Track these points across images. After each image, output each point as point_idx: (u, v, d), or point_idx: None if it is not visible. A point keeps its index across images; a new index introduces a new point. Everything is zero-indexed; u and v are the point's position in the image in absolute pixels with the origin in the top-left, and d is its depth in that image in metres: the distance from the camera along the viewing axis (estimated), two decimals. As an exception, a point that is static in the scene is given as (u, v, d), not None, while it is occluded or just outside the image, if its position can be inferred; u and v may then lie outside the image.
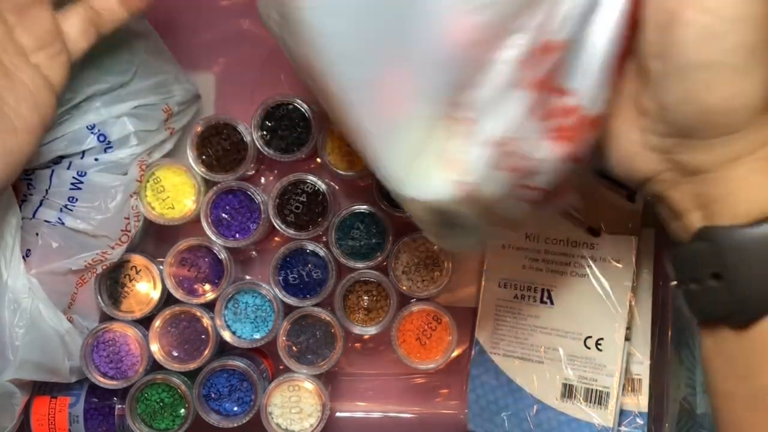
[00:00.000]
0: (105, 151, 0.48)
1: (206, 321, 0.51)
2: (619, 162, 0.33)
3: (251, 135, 0.50)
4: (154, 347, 0.51)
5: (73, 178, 0.47)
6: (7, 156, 0.38)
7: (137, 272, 0.51)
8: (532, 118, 0.30)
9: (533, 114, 0.30)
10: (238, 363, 0.51)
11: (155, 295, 0.51)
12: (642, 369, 0.52)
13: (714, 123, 0.28)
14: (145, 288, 0.52)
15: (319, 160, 0.52)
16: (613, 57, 0.30)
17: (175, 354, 0.51)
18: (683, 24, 0.27)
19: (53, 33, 0.40)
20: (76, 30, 0.41)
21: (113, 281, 0.51)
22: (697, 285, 0.30)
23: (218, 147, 0.51)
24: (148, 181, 0.50)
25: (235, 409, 0.52)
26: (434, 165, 0.31)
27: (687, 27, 0.27)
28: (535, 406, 0.52)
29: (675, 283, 0.33)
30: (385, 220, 0.50)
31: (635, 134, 0.31)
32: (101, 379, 0.50)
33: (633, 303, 0.51)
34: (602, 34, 0.30)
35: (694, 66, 0.27)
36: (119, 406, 0.52)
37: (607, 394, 0.51)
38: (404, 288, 0.51)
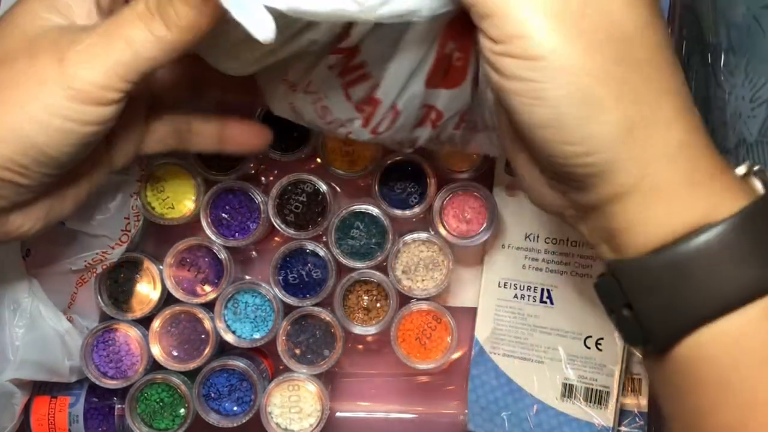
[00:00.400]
0: (105, 150, 0.48)
1: (206, 321, 0.51)
2: (534, 198, 0.34)
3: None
4: (154, 347, 0.51)
5: (73, 177, 0.47)
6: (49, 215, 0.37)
7: (137, 272, 0.51)
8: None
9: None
10: (238, 363, 0.51)
11: (155, 295, 0.51)
12: (642, 369, 0.51)
13: (583, 164, 0.28)
14: (145, 288, 0.52)
15: (319, 160, 0.52)
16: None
17: (175, 354, 0.51)
18: (508, 97, 0.28)
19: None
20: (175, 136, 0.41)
21: (113, 281, 0.51)
22: (616, 315, 0.31)
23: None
24: (148, 181, 0.50)
25: (235, 408, 0.52)
26: None
27: (511, 98, 0.28)
28: (535, 406, 0.52)
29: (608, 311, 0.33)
30: (385, 220, 0.50)
31: (537, 174, 0.32)
32: (101, 379, 0.51)
33: (633, 303, 0.51)
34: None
35: (534, 127, 0.28)
36: (119, 405, 0.52)
37: (608, 394, 0.51)
38: (404, 288, 0.51)
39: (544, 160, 0.30)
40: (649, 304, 0.29)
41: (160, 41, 0.31)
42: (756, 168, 0.30)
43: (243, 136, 0.43)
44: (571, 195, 0.30)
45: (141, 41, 0.31)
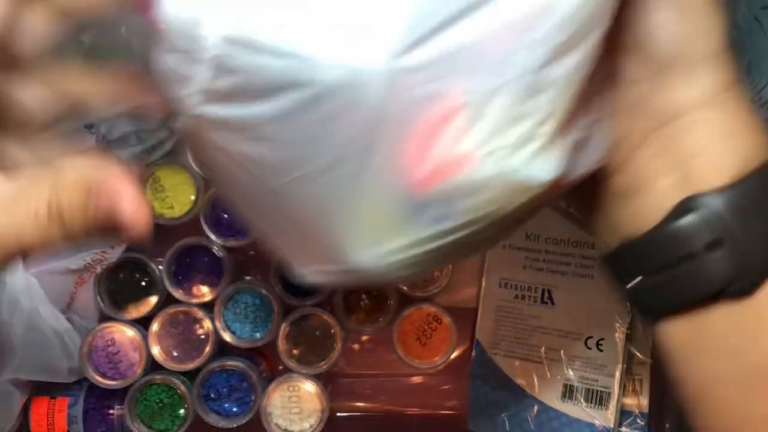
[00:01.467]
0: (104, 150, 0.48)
1: (205, 321, 0.51)
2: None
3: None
4: (154, 347, 0.51)
5: (72, 177, 0.47)
6: None
7: (136, 272, 0.51)
8: None
9: None
10: (238, 363, 0.51)
11: (154, 295, 0.51)
12: (643, 369, 0.51)
13: (692, 48, 0.27)
14: (145, 288, 0.51)
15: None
16: None
17: (175, 354, 0.51)
18: None
19: None
20: None
21: (112, 281, 0.51)
22: (687, 262, 0.28)
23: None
24: (147, 181, 0.50)
25: (235, 409, 0.51)
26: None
27: None
28: (535, 407, 0.52)
29: (636, 281, 0.29)
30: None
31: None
32: (100, 380, 0.50)
33: (634, 303, 0.51)
34: None
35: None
36: (118, 406, 0.52)
37: (608, 395, 0.51)
38: (404, 288, 0.51)
39: (656, 38, 0.28)
40: (750, 234, 0.27)
41: (48, 241, 0.26)
42: None
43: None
44: (657, 98, 0.28)
45: (29, 238, 0.26)
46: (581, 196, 0.31)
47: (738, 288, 0.27)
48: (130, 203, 0.25)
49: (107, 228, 0.26)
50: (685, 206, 0.27)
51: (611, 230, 0.30)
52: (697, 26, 0.28)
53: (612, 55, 0.28)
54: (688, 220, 0.27)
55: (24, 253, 0.27)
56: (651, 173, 0.28)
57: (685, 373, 0.30)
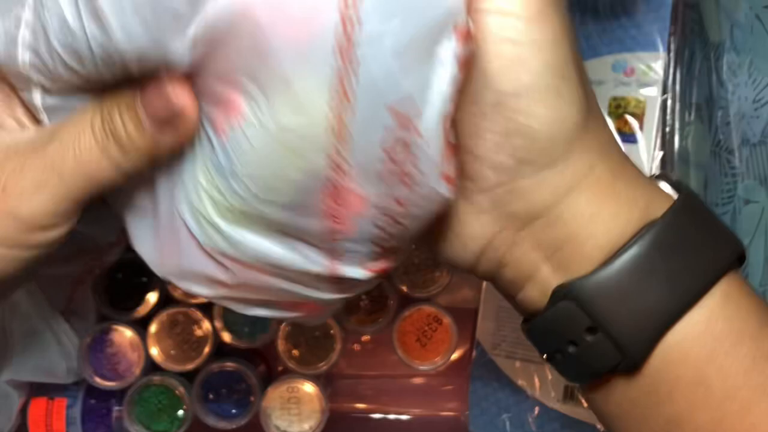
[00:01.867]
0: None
1: (204, 322, 0.51)
2: (449, 242, 0.30)
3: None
4: (152, 348, 0.51)
5: (71, 177, 0.47)
6: None
7: (135, 273, 0.51)
8: None
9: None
10: (237, 364, 0.50)
11: (153, 295, 0.51)
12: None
13: (540, 151, 0.27)
14: (143, 289, 0.51)
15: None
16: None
17: (174, 355, 0.51)
18: (486, 59, 0.26)
19: None
20: None
21: (111, 282, 0.51)
22: (574, 346, 0.28)
23: None
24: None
25: (234, 410, 0.51)
26: None
27: (490, 61, 0.26)
28: (536, 408, 0.52)
29: (545, 356, 0.30)
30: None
31: (460, 203, 0.29)
32: (99, 381, 0.50)
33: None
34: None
35: (508, 95, 0.26)
36: (117, 407, 0.52)
37: (609, 396, 0.51)
38: (404, 289, 0.51)
39: (505, 148, 0.27)
40: (622, 316, 0.27)
41: (115, 166, 0.26)
42: (656, 174, 0.30)
43: None
44: (516, 203, 0.28)
45: (95, 166, 0.26)
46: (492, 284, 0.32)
47: (623, 368, 0.28)
48: (169, 85, 0.25)
49: (160, 123, 0.25)
50: (558, 295, 0.28)
51: (519, 310, 0.31)
52: (540, 130, 0.27)
53: (465, 163, 0.28)
54: (563, 306, 0.28)
55: (94, 188, 0.27)
56: (530, 267, 0.29)
57: None
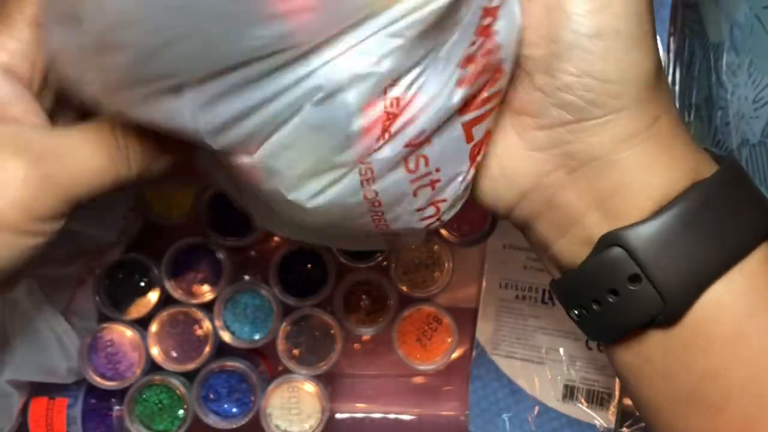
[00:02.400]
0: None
1: (205, 322, 0.51)
2: (493, 180, 0.30)
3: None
4: (153, 348, 0.51)
5: (71, 177, 0.47)
6: None
7: (136, 272, 0.51)
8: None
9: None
10: (237, 364, 0.50)
11: (153, 295, 0.51)
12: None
13: (612, 94, 0.27)
14: (144, 289, 0.51)
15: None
16: None
17: (174, 355, 0.51)
18: (570, 1, 0.27)
19: None
20: None
21: (112, 282, 0.51)
22: (615, 296, 0.28)
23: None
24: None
25: (234, 410, 0.51)
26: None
27: (574, 2, 0.27)
28: (536, 408, 0.52)
29: (576, 312, 0.31)
30: (386, 220, 0.50)
31: (512, 139, 0.29)
32: (99, 380, 0.50)
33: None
34: None
35: (588, 36, 0.27)
36: (117, 407, 0.52)
37: (609, 395, 0.51)
38: (404, 288, 0.51)
39: (578, 88, 0.27)
40: (667, 265, 0.27)
41: (119, 175, 0.29)
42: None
43: None
44: (574, 144, 0.28)
45: (105, 175, 0.29)
46: (524, 234, 0.32)
47: (663, 318, 0.28)
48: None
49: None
50: (606, 242, 0.28)
51: (552, 262, 0.31)
52: (616, 73, 0.27)
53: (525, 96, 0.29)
54: (609, 255, 0.28)
55: (105, 190, 0.29)
56: (577, 212, 0.29)
57: (634, 396, 0.31)
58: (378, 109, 0.26)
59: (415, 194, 0.29)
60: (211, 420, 0.50)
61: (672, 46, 0.49)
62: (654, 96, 0.28)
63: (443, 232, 0.51)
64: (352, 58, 0.25)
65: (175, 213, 0.51)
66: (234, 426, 0.51)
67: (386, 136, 0.26)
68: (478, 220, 0.51)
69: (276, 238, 0.55)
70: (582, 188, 0.29)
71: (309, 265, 0.51)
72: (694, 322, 0.28)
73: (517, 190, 0.30)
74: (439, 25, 0.25)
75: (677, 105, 0.50)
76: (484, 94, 0.28)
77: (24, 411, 0.51)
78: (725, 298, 0.27)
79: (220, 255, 0.51)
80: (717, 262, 0.27)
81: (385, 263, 0.51)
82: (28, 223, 0.28)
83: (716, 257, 0.27)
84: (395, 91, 0.26)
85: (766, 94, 0.43)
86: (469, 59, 0.27)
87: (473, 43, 0.27)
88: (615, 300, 0.28)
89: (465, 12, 0.26)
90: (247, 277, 0.55)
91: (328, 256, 0.50)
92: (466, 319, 0.54)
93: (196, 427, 0.51)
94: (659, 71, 0.28)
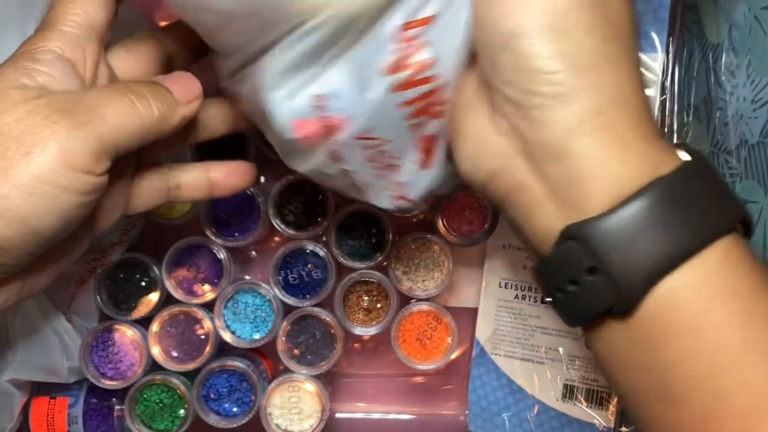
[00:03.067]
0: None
1: (206, 321, 0.51)
2: (468, 156, 0.33)
3: (250, 133, 0.50)
4: (154, 347, 0.51)
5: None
6: None
7: (137, 272, 0.51)
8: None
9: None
10: (238, 363, 0.50)
11: (154, 295, 0.51)
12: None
13: (547, 83, 0.29)
14: (145, 288, 0.51)
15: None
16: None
17: (175, 354, 0.51)
18: (491, 5, 0.29)
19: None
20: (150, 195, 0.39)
21: (112, 281, 0.51)
22: (575, 286, 0.30)
23: (217, 146, 0.50)
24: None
25: (235, 409, 0.51)
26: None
27: (494, 6, 0.29)
28: (536, 407, 0.52)
29: (548, 299, 0.33)
30: (385, 220, 0.50)
31: (484, 122, 0.32)
32: (100, 380, 0.50)
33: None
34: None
35: (513, 36, 0.29)
36: (118, 406, 0.52)
37: (609, 395, 0.51)
38: (404, 288, 0.51)
39: (509, 86, 0.30)
40: (621, 259, 0.29)
41: (143, 119, 0.33)
42: (677, 143, 0.32)
43: (230, 178, 0.41)
44: (527, 131, 0.30)
45: (132, 119, 0.33)
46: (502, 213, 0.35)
47: (619, 309, 0.29)
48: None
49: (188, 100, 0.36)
50: (566, 234, 0.30)
51: (529, 248, 0.33)
52: (546, 65, 0.29)
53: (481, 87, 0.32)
54: (568, 247, 0.29)
55: (138, 142, 0.33)
56: (537, 198, 0.31)
57: (611, 385, 0.32)
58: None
59: (377, 175, 0.35)
60: (212, 419, 0.51)
61: (671, 47, 0.49)
62: (594, 86, 0.29)
63: (443, 232, 0.51)
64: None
65: (176, 213, 0.51)
66: (234, 425, 0.51)
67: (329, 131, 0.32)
68: (478, 220, 0.51)
69: (276, 238, 0.55)
70: (540, 175, 0.30)
71: (309, 265, 0.51)
72: (650, 315, 0.29)
73: (488, 168, 0.32)
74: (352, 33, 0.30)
75: (676, 106, 0.50)
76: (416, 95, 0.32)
77: (25, 410, 0.51)
78: (681, 291, 0.28)
79: (221, 255, 0.51)
80: (672, 255, 0.28)
81: (385, 263, 0.51)
82: (71, 176, 0.30)
83: (672, 250, 0.28)
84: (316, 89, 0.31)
85: (765, 94, 0.43)
86: (395, 68, 0.31)
87: (396, 51, 0.30)
88: (575, 289, 0.30)
89: (384, 22, 0.30)
90: (247, 277, 0.55)
91: (328, 256, 0.51)
92: (466, 319, 0.54)
93: (197, 426, 0.52)
94: (598, 63, 0.29)
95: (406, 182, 0.36)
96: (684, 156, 0.30)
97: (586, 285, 0.29)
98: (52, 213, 0.31)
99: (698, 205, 0.29)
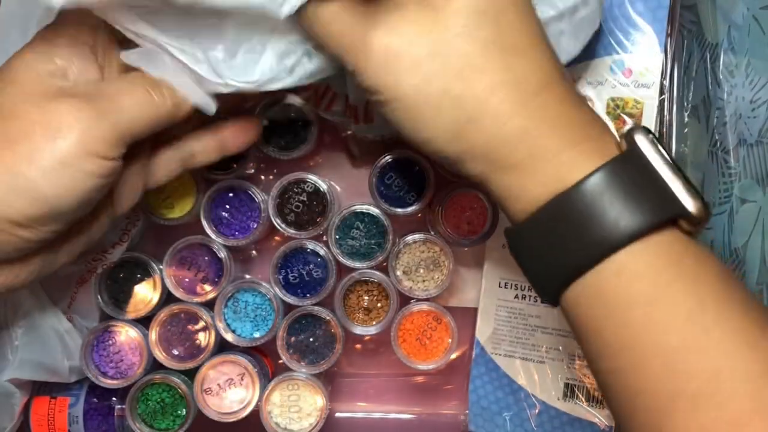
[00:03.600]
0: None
1: (206, 320, 0.51)
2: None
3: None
4: (154, 347, 0.51)
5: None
6: None
7: (137, 272, 0.51)
8: None
9: None
10: (239, 357, 0.51)
11: (155, 294, 0.51)
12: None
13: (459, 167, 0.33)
14: (145, 287, 0.51)
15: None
16: None
17: (175, 353, 0.51)
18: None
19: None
20: (165, 168, 0.41)
21: (113, 281, 0.51)
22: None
23: None
24: (148, 181, 0.50)
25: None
26: None
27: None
28: (536, 406, 0.52)
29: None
30: (385, 220, 0.50)
31: None
32: (101, 379, 0.50)
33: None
34: None
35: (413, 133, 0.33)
36: (119, 406, 0.52)
37: (608, 394, 0.51)
38: (405, 288, 0.51)
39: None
40: (539, 259, 0.32)
41: (158, 107, 0.35)
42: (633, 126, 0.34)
43: (238, 135, 0.43)
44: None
45: (147, 108, 0.35)
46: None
47: (547, 302, 0.33)
48: None
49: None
50: (506, 234, 0.34)
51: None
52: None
53: None
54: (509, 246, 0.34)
55: (152, 129, 0.35)
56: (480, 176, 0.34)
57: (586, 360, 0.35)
58: None
59: None
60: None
61: (670, 47, 0.49)
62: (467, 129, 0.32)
63: (443, 232, 0.51)
64: None
65: (176, 213, 0.51)
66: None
67: None
68: (478, 220, 0.51)
69: (277, 237, 0.55)
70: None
71: (309, 265, 0.51)
72: (576, 307, 0.31)
73: (455, 150, 0.34)
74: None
75: (675, 106, 0.50)
76: None
77: (26, 410, 0.51)
78: (581, 300, 0.31)
79: (221, 254, 0.51)
80: (591, 252, 0.30)
81: (385, 263, 0.51)
82: (87, 159, 0.33)
83: (588, 250, 0.30)
84: None
85: (764, 94, 0.43)
86: None
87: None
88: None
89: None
90: (247, 276, 0.55)
91: (328, 255, 0.51)
92: (466, 318, 0.54)
93: (198, 425, 0.52)
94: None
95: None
96: (642, 142, 0.31)
97: (526, 278, 0.34)
98: (72, 194, 0.33)
99: (615, 204, 0.30)
